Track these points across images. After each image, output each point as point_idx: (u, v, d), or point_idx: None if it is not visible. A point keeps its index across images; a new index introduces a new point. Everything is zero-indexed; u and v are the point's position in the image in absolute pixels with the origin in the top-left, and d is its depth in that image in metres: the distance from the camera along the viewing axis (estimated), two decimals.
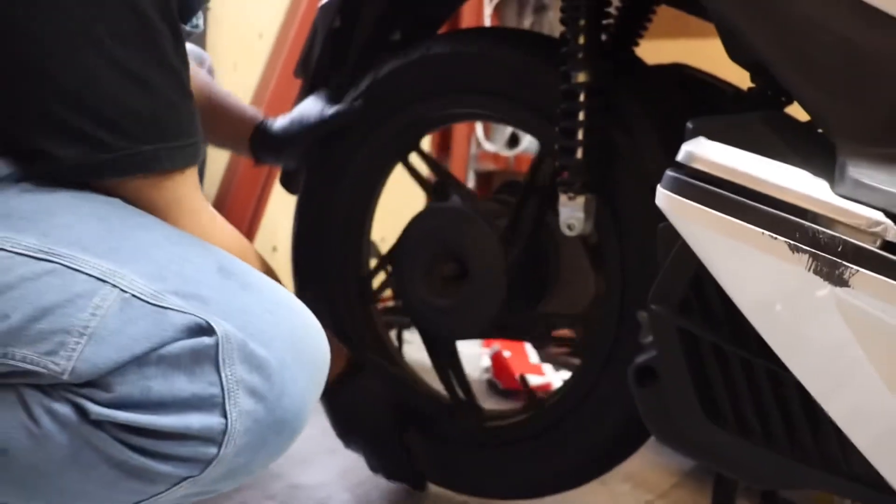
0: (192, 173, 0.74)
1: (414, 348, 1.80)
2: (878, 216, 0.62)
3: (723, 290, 0.70)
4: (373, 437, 1.13)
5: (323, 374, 0.69)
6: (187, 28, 0.91)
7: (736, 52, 0.79)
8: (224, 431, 0.60)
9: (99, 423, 0.59)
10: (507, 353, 1.77)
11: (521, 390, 1.71)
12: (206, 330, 0.61)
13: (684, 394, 0.79)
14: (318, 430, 1.45)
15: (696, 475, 1.41)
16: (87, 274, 0.61)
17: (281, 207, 1.89)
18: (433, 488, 1.27)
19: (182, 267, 0.64)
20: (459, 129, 2.27)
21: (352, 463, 1.35)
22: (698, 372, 0.78)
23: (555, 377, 1.76)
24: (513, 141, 2.26)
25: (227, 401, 0.60)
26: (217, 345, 0.60)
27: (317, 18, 1.22)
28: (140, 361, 0.59)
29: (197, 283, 0.63)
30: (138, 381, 0.59)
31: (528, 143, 2.24)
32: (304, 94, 1.26)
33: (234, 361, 0.61)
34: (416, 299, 1.14)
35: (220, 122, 1.17)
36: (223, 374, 0.60)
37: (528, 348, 1.81)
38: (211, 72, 1.34)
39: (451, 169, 2.27)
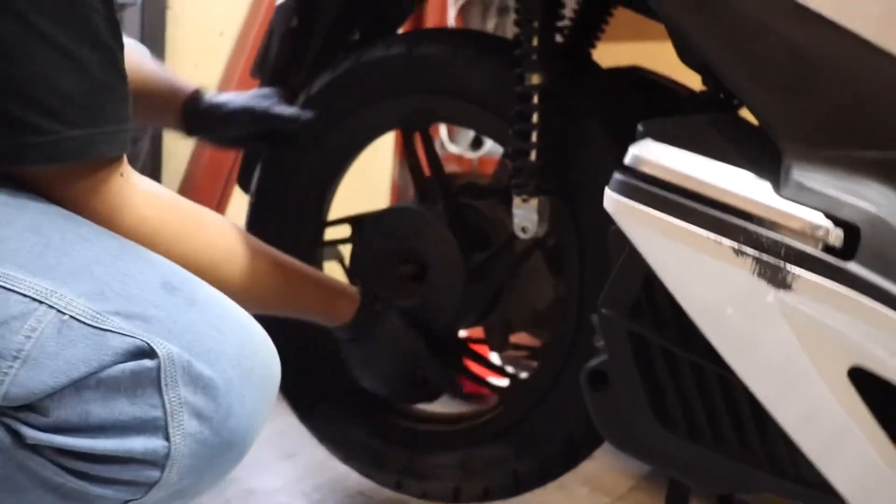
0: (119, 161, 0.71)
1: None
2: (820, 219, 0.62)
3: (671, 294, 0.70)
4: (409, 363, 1.08)
5: (273, 389, 0.67)
6: (120, 1, 0.89)
7: (685, 55, 0.79)
8: (167, 455, 0.59)
9: (35, 447, 0.58)
10: None
11: (483, 394, 1.71)
12: (148, 353, 0.59)
13: (635, 398, 0.78)
14: (274, 433, 1.44)
15: (654, 478, 1.42)
16: (21, 294, 0.59)
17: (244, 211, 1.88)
18: (394, 496, 1.26)
19: (124, 284, 0.62)
20: None
21: (309, 468, 1.34)
22: (649, 376, 0.78)
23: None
24: (476, 143, 2.26)
25: (169, 423, 0.59)
26: (159, 367, 0.59)
27: (273, 18, 1.20)
28: (78, 385, 0.57)
29: (140, 301, 0.61)
30: (77, 406, 0.57)
31: (492, 145, 2.24)
32: (285, 23, 1.23)
33: (178, 383, 0.59)
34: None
35: (151, 92, 1.11)
36: (165, 397, 0.59)
37: (492, 354, 1.80)
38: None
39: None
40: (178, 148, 1.85)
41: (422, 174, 1.14)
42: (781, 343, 0.64)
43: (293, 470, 1.34)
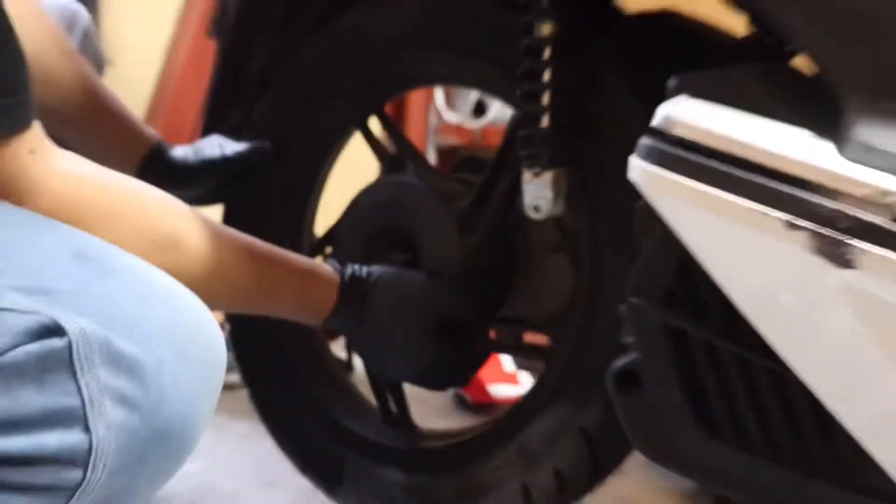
0: (24, 139, 0.69)
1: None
2: (891, 184, 0.62)
3: (712, 278, 0.70)
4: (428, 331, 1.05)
5: (218, 371, 0.65)
6: None
7: None
8: (89, 450, 0.56)
9: None
10: None
11: (492, 404, 1.72)
12: (55, 330, 0.56)
13: (672, 401, 0.79)
14: (252, 458, 1.45)
15: (700, 497, 1.42)
16: None
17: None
18: None
19: (26, 256, 0.61)
20: (415, 97, 2.26)
21: (291, 499, 1.35)
22: (688, 375, 0.78)
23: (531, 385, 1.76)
24: (479, 109, 2.25)
25: (89, 413, 0.56)
26: (70, 346, 0.56)
27: None
28: None
29: (45, 274, 0.60)
30: None
31: (498, 111, 2.24)
32: (221, 57, 1.24)
33: (95, 364, 0.57)
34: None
35: (107, 130, 1.12)
36: (81, 381, 0.56)
37: (502, 357, 1.81)
38: (88, 34, 1.31)
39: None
40: None
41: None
42: (846, 331, 0.64)
43: (274, 500, 1.34)
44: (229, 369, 1.39)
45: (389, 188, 1.15)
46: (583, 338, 1.00)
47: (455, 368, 1.08)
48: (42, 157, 0.71)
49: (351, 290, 0.99)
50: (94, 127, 1.10)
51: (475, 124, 2.25)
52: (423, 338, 1.02)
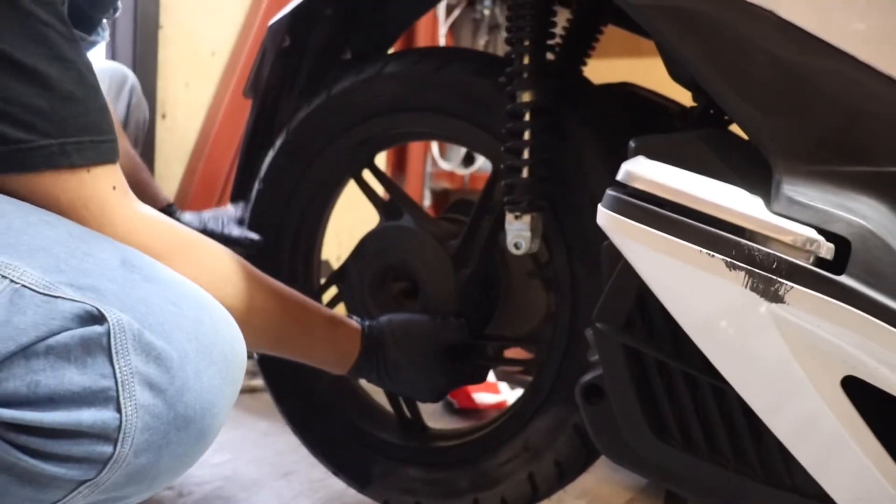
0: (106, 173, 0.71)
1: None
2: (811, 233, 0.63)
3: (665, 308, 0.71)
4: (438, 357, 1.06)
5: (235, 372, 0.65)
6: (90, 38, 0.89)
7: (675, 72, 0.81)
8: (119, 427, 0.56)
9: None
10: None
11: (476, 409, 1.72)
12: (97, 318, 0.57)
13: (631, 411, 0.79)
14: (271, 452, 1.44)
15: (652, 491, 1.42)
16: None
17: None
18: None
19: (82, 261, 0.61)
20: (415, 147, 2.28)
21: (307, 486, 1.34)
22: (644, 389, 0.78)
23: (510, 395, 1.76)
24: (468, 159, 2.27)
25: (121, 394, 0.56)
26: (109, 333, 0.57)
27: (266, 38, 1.21)
28: (27, 354, 0.56)
29: (95, 275, 0.60)
30: (26, 376, 0.55)
31: (484, 161, 2.26)
32: (254, 113, 1.25)
33: (129, 351, 0.57)
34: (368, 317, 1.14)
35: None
36: (116, 365, 0.57)
37: None
38: (133, 92, 1.33)
39: (407, 187, 2.27)
40: (171, 169, 1.86)
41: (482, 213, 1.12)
42: (775, 354, 0.65)
43: (289, 489, 1.33)
44: (252, 375, 1.39)
45: (392, 232, 1.15)
46: (568, 351, 1.01)
47: (464, 381, 1.10)
48: (122, 193, 0.73)
49: (371, 340, 1.00)
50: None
51: (464, 171, 2.27)
52: (436, 368, 1.03)
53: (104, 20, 0.92)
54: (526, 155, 0.96)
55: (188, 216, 1.17)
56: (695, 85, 0.82)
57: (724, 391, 0.75)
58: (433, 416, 1.70)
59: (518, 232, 0.97)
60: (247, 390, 1.70)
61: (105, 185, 0.71)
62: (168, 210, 1.16)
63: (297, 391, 1.21)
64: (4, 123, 0.64)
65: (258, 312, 0.86)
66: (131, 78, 1.38)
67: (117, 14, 0.94)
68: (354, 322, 1.01)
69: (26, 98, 0.65)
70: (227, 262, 0.85)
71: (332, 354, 0.99)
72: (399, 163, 2.26)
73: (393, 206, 1.18)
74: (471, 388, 1.73)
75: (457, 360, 1.05)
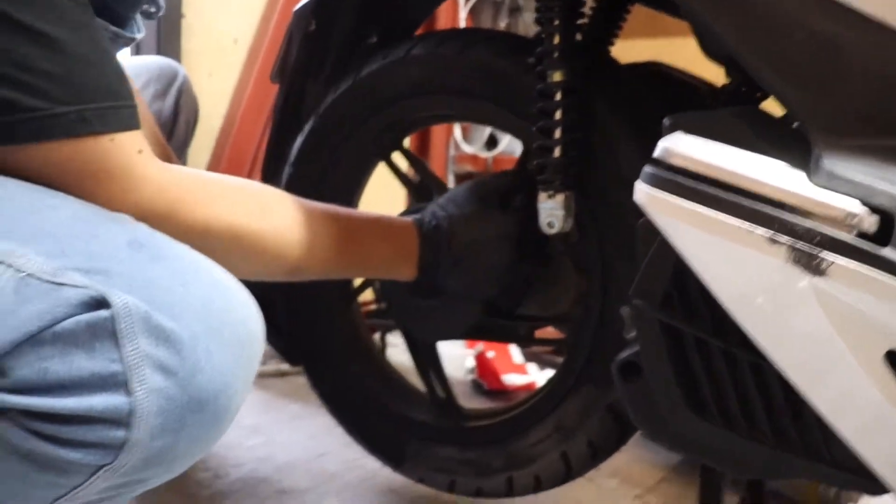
0: (131, 140, 0.68)
1: (397, 351, 1.80)
2: (854, 206, 0.63)
3: (703, 284, 0.71)
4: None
5: (252, 351, 0.63)
6: (126, 35, 0.88)
7: (710, 48, 0.80)
8: (130, 411, 0.55)
9: (1, 412, 0.55)
10: (490, 354, 1.77)
11: (506, 390, 1.73)
12: (102, 303, 0.56)
13: (668, 388, 0.79)
14: (303, 434, 1.46)
15: (683, 469, 1.42)
16: None
17: None
18: (424, 491, 1.27)
19: (87, 244, 0.59)
20: (438, 131, 2.27)
21: (339, 467, 1.35)
22: (682, 366, 0.78)
23: (539, 376, 1.77)
24: (491, 142, 2.26)
25: (130, 378, 0.55)
26: (114, 317, 0.55)
27: (291, 23, 1.21)
28: (35, 341, 0.55)
29: (102, 257, 0.59)
30: (35, 363, 0.55)
31: (506, 144, 2.25)
32: (281, 98, 1.25)
33: (136, 335, 0.56)
34: (399, 301, 1.15)
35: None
36: (124, 350, 0.55)
37: (513, 348, 1.81)
38: (182, 90, 1.33)
39: (431, 168, 2.27)
40: (197, 158, 1.87)
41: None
42: (817, 329, 0.64)
43: (324, 470, 1.35)
44: (282, 358, 1.39)
45: None
46: (600, 331, 1.01)
47: (531, 282, 1.06)
48: (147, 156, 0.70)
49: (427, 227, 0.98)
50: None
51: (487, 154, 2.26)
52: (504, 259, 1.01)
53: (137, 17, 0.91)
54: (557, 134, 0.96)
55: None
56: (729, 61, 0.82)
57: (763, 367, 0.75)
58: (462, 397, 1.71)
59: (551, 211, 0.97)
60: (277, 374, 1.72)
61: (130, 151, 0.68)
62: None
63: (332, 372, 1.23)
64: (16, 90, 0.60)
65: (311, 237, 0.85)
66: (182, 74, 1.36)
67: (160, 13, 0.92)
68: (410, 221, 0.99)
69: (38, 62, 0.61)
70: (269, 196, 0.83)
71: (395, 255, 0.96)
72: (422, 147, 2.26)
73: (423, 186, 1.18)
74: (500, 370, 1.74)
75: (524, 258, 1.02)
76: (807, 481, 1.27)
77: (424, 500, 1.27)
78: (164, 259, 0.61)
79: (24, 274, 0.56)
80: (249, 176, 1.82)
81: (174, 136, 1.33)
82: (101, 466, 0.57)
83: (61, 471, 0.57)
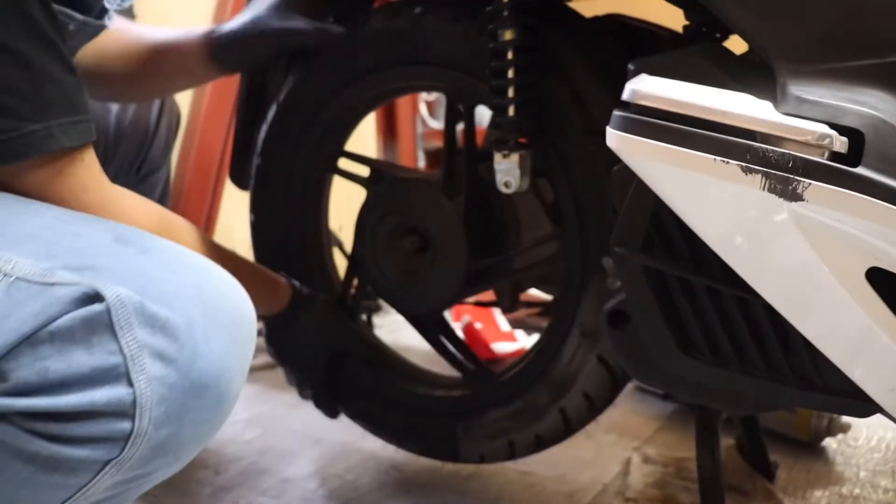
0: (90, 153, 0.70)
1: (384, 332, 1.80)
2: (824, 129, 0.63)
3: (682, 224, 0.71)
4: (301, 365, 1.17)
5: (246, 334, 0.64)
6: (98, 23, 0.87)
7: None
8: (133, 402, 0.56)
9: (2, 417, 0.55)
10: (478, 325, 1.78)
11: (496, 359, 1.73)
12: (95, 297, 0.56)
13: (657, 331, 0.80)
14: (300, 423, 1.45)
15: (679, 418, 1.44)
16: None
17: (235, 209, 1.87)
18: (424, 464, 1.27)
19: (73, 242, 0.60)
20: (404, 110, 2.26)
21: (339, 451, 1.35)
22: (668, 307, 0.79)
23: (527, 341, 1.77)
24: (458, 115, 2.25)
25: (130, 369, 0.56)
26: (109, 310, 0.56)
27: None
28: (32, 342, 0.55)
29: (89, 254, 0.59)
30: (34, 364, 0.55)
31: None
32: (244, 89, 1.24)
33: (133, 325, 0.56)
34: (385, 279, 1.14)
35: (177, 53, 1.10)
36: (122, 341, 0.56)
37: (499, 317, 1.82)
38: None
39: (400, 151, 2.26)
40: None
41: (454, 146, 1.13)
42: (798, 254, 0.65)
43: (323, 455, 1.35)
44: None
45: (380, 194, 1.15)
46: (584, 285, 1.00)
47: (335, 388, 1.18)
48: (89, 164, 0.72)
49: (297, 300, 1.09)
50: (162, 58, 1.11)
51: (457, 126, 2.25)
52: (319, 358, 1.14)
53: (109, 6, 0.90)
54: (511, 93, 0.95)
55: (232, 23, 1.09)
56: (688, 2, 0.82)
57: (748, 300, 0.75)
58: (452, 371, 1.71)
59: (507, 170, 0.97)
60: (268, 366, 1.71)
61: (94, 165, 0.70)
62: (214, 33, 1.08)
63: (360, 393, 1.20)
64: None
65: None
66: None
67: (127, 4, 0.92)
68: (285, 281, 1.10)
69: (13, 82, 0.63)
70: (192, 235, 0.88)
71: (267, 305, 1.07)
72: (389, 127, 2.25)
73: (375, 174, 1.17)
74: (489, 339, 1.74)
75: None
76: (799, 416, 1.29)
77: (426, 474, 1.27)
78: (150, 251, 0.62)
79: (13, 278, 0.57)
80: (220, 170, 1.80)
81: (156, 140, 1.32)
82: (108, 461, 0.57)
83: (69, 470, 0.57)
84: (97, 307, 0.56)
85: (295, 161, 1.18)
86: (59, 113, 0.66)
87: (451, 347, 1.22)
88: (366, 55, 1.09)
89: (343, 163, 1.22)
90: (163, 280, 0.60)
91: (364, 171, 1.20)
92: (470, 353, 1.22)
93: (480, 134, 1.15)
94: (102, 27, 0.89)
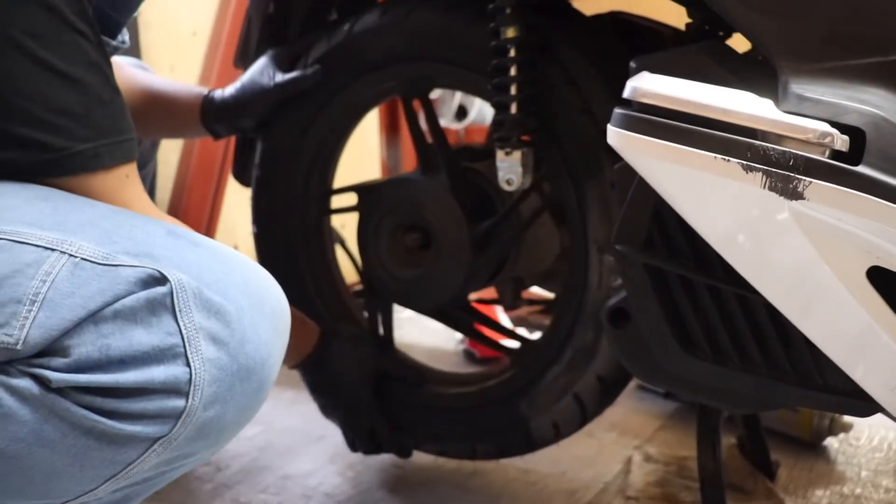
0: (132, 171, 0.74)
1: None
2: (825, 127, 0.63)
3: (683, 222, 0.71)
4: (351, 408, 1.15)
5: (285, 323, 0.68)
6: (114, 43, 0.91)
7: None
8: (189, 381, 0.59)
9: (61, 391, 0.58)
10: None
11: (498, 357, 1.73)
12: (159, 280, 0.60)
13: (658, 329, 0.80)
14: (301, 419, 1.45)
15: (680, 416, 1.44)
16: (34, 245, 0.61)
17: (237, 205, 1.87)
18: (425, 461, 1.27)
19: (130, 232, 0.64)
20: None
21: (340, 448, 1.35)
22: (669, 306, 0.79)
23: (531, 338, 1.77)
24: (461, 113, 2.25)
25: (188, 349, 0.59)
26: (171, 293, 0.60)
27: (250, 6, 1.20)
28: (96, 319, 0.59)
29: (147, 243, 0.63)
30: (96, 341, 0.58)
31: (476, 114, 2.24)
32: None
33: (191, 309, 0.60)
34: (399, 283, 1.14)
35: (168, 108, 1.16)
36: (181, 323, 0.60)
37: (501, 314, 1.81)
38: None
39: (403, 147, 2.26)
40: (168, 154, 1.85)
41: (424, 142, 1.14)
42: (799, 252, 0.65)
43: (325, 452, 1.35)
44: None
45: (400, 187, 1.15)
46: (587, 284, 0.99)
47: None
48: (132, 180, 0.76)
49: (324, 344, 1.11)
50: (156, 106, 1.16)
51: (459, 125, 2.25)
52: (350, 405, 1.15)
53: (126, 25, 0.91)
54: (513, 91, 0.95)
55: (229, 89, 1.15)
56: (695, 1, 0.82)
57: (749, 299, 0.75)
58: (456, 367, 1.71)
59: (509, 168, 0.97)
60: None
61: (136, 181, 0.75)
62: (210, 96, 1.15)
63: (418, 418, 1.18)
64: (49, 133, 0.67)
65: None
66: (149, 70, 1.36)
67: (125, 45, 0.95)
68: (312, 323, 1.12)
69: (69, 105, 0.68)
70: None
71: (294, 352, 1.08)
72: (392, 124, 2.25)
73: (363, 194, 1.17)
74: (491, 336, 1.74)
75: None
76: (801, 416, 1.29)
77: (427, 471, 1.27)
78: (202, 245, 0.66)
79: (78, 258, 0.60)
80: (223, 165, 1.80)
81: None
82: (158, 439, 0.60)
83: (120, 445, 0.60)
84: (160, 289, 0.60)
85: (298, 154, 1.18)
86: (106, 134, 0.70)
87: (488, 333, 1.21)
88: (357, 56, 1.10)
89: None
90: (215, 270, 0.63)
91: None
92: (508, 331, 1.21)
93: (475, 132, 1.15)
94: (118, 48, 0.93)
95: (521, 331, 1.80)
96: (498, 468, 1.27)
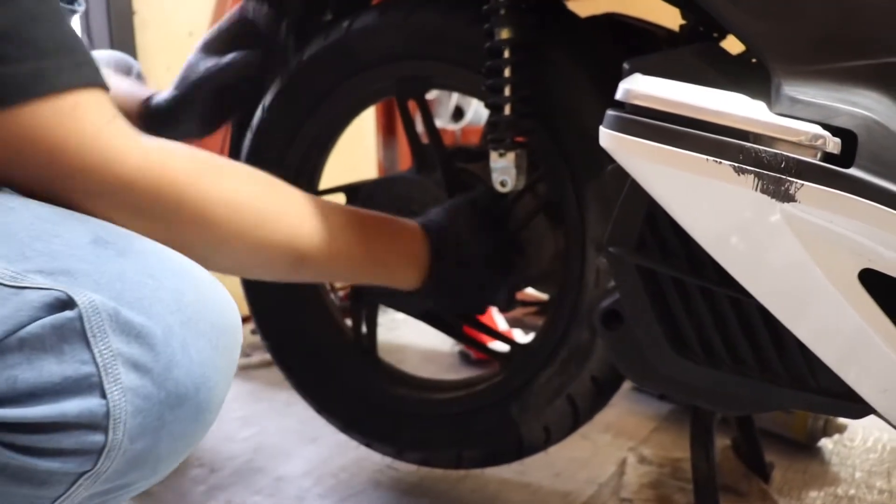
0: (98, 100, 0.63)
1: (381, 331, 1.79)
2: (817, 129, 0.63)
3: (676, 224, 0.71)
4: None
5: (230, 340, 0.61)
6: (68, 7, 0.83)
7: None
8: (107, 414, 0.53)
9: None
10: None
11: (492, 359, 1.73)
12: (67, 303, 0.53)
13: (651, 331, 0.79)
14: (295, 421, 1.45)
15: (675, 418, 1.44)
16: None
17: None
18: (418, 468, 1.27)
19: (48, 244, 0.57)
20: None
21: (333, 450, 1.35)
22: (662, 308, 0.79)
23: (525, 340, 1.77)
24: (457, 114, 2.25)
25: (104, 379, 0.53)
26: (81, 317, 0.53)
27: (243, 7, 1.20)
28: (0, 349, 0.52)
29: (65, 256, 0.56)
30: (3, 372, 0.52)
31: (473, 115, 2.24)
32: None
33: (107, 333, 0.54)
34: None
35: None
36: (95, 350, 0.53)
37: (497, 315, 1.81)
38: (140, 77, 1.31)
39: (400, 148, 2.26)
40: None
41: (419, 142, 1.14)
42: (790, 255, 0.65)
43: (318, 454, 1.35)
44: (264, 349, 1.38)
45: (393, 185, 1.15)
46: (583, 284, 0.99)
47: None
48: (123, 123, 0.65)
49: (433, 231, 0.96)
50: None
51: (455, 126, 2.25)
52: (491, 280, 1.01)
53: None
54: (507, 92, 0.95)
55: (164, 91, 1.05)
56: (685, 1, 0.82)
57: (741, 301, 0.75)
58: (451, 369, 1.71)
59: (503, 170, 0.97)
60: (263, 364, 1.71)
61: (99, 113, 0.62)
62: (148, 101, 1.04)
63: (449, 437, 1.14)
64: None
65: (322, 220, 0.81)
66: (136, 67, 1.35)
67: (81, 9, 0.87)
68: (413, 223, 0.95)
69: None
70: (272, 178, 0.79)
71: (402, 257, 0.94)
72: (389, 125, 2.25)
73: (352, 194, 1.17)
74: (486, 339, 1.74)
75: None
76: (795, 417, 1.29)
77: (421, 473, 1.27)
78: (130, 254, 0.58)
79: None
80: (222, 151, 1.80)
81: None
82: (82, 474, 0.54)
83: (40, 482, 0.54)
84: (68, 314, 0.53)
85: (294, 139, 1.17)
86: (50, 53, 0.59)
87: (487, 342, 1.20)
88: (352, 56, 1.10)
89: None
90: (140, 285, 0.56)
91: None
92: (500, 335, 1.21)
93: (472, 133, 1.15)
94: (73, 12, 0.85)
95: (517, 332, 1.80)
96: (492, 470, 1.26)
